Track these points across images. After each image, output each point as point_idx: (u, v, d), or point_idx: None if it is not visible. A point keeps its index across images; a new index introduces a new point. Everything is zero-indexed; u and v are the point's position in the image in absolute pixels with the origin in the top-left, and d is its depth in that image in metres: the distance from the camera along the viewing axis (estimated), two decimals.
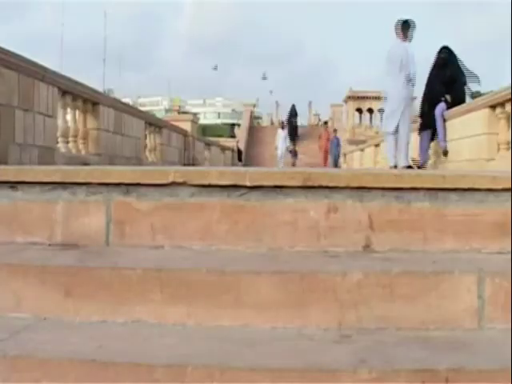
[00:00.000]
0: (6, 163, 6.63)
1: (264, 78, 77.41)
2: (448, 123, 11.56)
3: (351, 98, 37.93)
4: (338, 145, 28.48)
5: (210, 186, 2.74)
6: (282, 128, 30.32)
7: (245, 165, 28.08)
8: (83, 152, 10.01)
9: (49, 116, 8.38)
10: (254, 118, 42.70)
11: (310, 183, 2.71)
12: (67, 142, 9.50)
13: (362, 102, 37.61)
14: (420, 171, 5.71)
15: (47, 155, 8.21)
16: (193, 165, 17.24)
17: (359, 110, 37.99)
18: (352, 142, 31.49)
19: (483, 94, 11.52)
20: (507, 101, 9.26)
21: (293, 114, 37.57)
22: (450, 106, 11.18)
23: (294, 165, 28.85)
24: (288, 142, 30.07)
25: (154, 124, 14.68)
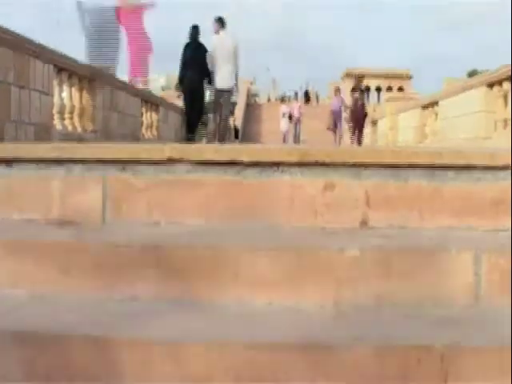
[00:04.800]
0: (1, 140, 6.61)
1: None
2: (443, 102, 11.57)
3: (349, 75, 37.76)
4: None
5: (206, 162, 2.73)
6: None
7: (241, 142, 27.97)
8: (79, 129, 9.98)
9: (45, 93, 8.35)
10: (251, 95, 42.42)
11: (306, 159, 2.70)
12: (63, 120, 9.48)
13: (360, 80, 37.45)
14: (417, 148, 5.70)
15: (43, 132, 8.19)
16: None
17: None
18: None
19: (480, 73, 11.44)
20: (505, 79, 9.25)
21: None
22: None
23: None
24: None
25: (150, 101, 14.64)
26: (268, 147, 2.89)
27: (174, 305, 2.29)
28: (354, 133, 17.08)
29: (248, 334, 2.02)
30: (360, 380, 1.93)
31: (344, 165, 2.71)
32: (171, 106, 16.86)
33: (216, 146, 3.04)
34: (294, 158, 2.71)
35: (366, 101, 20.01)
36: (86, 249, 2.42)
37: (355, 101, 17.18)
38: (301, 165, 2.71)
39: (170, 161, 2.74)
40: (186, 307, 2.27)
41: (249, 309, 2.26)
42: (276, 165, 2.72)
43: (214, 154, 2.75)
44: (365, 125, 18.00)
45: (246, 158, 2.71)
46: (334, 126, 18.87)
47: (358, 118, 17.07)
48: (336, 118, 18.86)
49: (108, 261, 2.38)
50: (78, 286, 2.37)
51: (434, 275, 2.34)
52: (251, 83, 43.38)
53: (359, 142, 17.02)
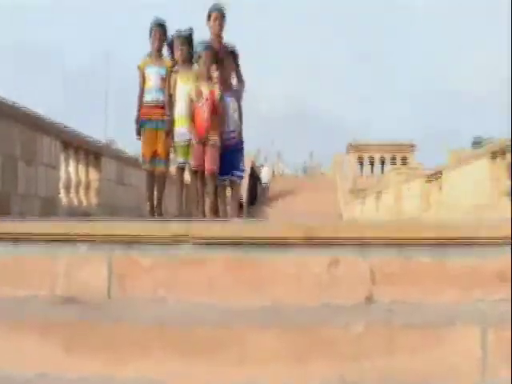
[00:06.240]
0: (8, 214, 6.66)
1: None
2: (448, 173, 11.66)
3: (353, 147, 38.15)
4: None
5: (212, 238, 2.75)
6: None
7: (248, 217, 27.96)
8: (85, 203, 10.05)
9: (51, 167, 8.44)
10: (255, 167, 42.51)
11: (311, 235, 2.72)
12: (69, 193, 9.56)
13: (364, 152, 37.81)
14: (421, 222, 5.70)
15: (49, 206, 8.25)
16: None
17: (360, 160, 38.19)
18: (353, 192, 31.65)
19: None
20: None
21: None
22: None
23: None
24: None
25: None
26: (272, 223, 2.91)
27: None
28: None
29: None
30: None
31: (348, 240, 2.71)
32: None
33: (221, 223, 3.06)
34: (298, 234, 2.72)
35: None
36: (91, 327, 2.41)
37: None
38: (305, 240, 2.72)
39: (175, 237, 2.75)
40: None
41: None
42: (280, 241, 2.73)
43: (219, 230, 2.76)
44: None
45: (250, 235, 2.73)
46: None
47: None
48: None
49: (113, 339, 2.37)
50: (82, 364, 2.35)
51: (440, 350, 2.33)
52: (254, 157, 42.07)
53: None
